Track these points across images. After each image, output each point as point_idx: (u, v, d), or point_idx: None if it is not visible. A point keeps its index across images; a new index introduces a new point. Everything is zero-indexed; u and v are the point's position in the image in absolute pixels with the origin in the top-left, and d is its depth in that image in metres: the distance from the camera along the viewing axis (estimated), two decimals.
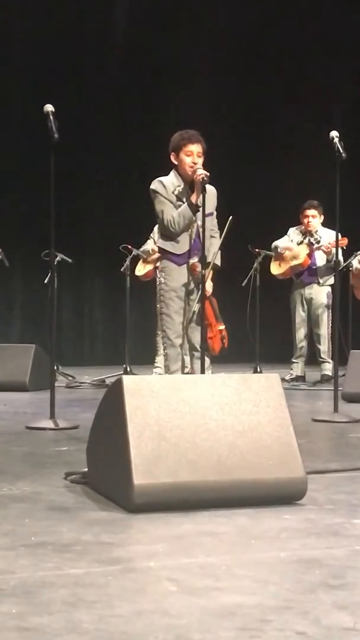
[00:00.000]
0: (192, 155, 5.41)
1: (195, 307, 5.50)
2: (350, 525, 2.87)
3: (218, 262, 5.70)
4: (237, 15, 11.85)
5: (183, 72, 11.73)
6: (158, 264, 8.74)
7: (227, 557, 2.50)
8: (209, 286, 5.67)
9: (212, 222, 5.63)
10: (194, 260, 5.39)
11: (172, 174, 5.51)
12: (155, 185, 5.52)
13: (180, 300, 5.54)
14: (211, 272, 5.68)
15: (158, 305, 5.82)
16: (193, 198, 5.37)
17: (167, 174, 5.60)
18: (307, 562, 2.43)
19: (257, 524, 2.88)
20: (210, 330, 5.71)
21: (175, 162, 5.48)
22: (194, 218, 5.40)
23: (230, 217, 5.71)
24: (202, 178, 5.24)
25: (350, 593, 2.16)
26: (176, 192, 5.46)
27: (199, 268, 5.45)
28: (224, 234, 5.73)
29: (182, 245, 5.49)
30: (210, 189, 5.52)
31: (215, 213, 5.65)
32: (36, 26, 11.26)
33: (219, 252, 5.72)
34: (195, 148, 5.42)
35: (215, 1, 11.94)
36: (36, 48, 11.28)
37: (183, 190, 5.43)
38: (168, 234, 5.51)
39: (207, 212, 5.44)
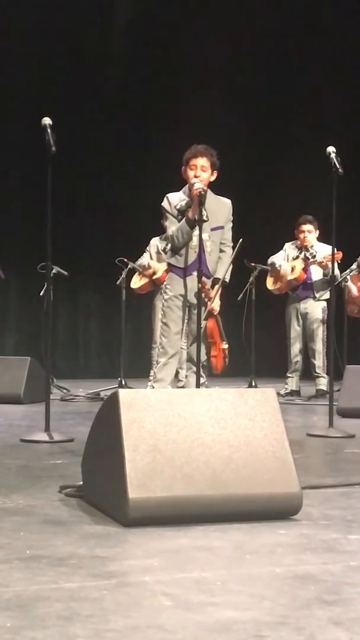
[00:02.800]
0: (195, 169, 5.43)
1: (202, 323, 5.48)
2: (345, 540, 2.86)
3: (226, 278, 5.66)
4: (240, 30, 11.92)
5: (183, 91, 11.78)
6: (155, 276, 8.82)
7: (222, 572, 2.49)
8: (216, 304, 5.64)
9: (222, 236, 5.60)
10: (194, 273, 5.37)
11: (184, 188, 5.55)
12: (163, 202, 5.57)
13: (178, 310, 5.54)
14: (216, 287, 5.64)
15: (160, 315, 5.79)
16: (190, 213, 5.39)
17: (166, 186, 5.65)
18: (302, 577, 2.43)
19: (252, 539, 2.87)
20: (214, 349, 5.68)
21: (184, 176, 5.52)
22: (192, 232, 5.41)
23: (240, 240, 5.71)
24: (200, 192, 5.26)
25: (346, 609, 2.15)
26: (178, 207, 5.48)
27: (207, 285, 5.46)
28: (233, 254, 5.71)
29: (184, 258, 5.50)
30: (224, 202, 5.56)
31: (227, 226, 5.63)
32: (36, 36, 11.30)
33: (230, 268, 5.68)
34: (199, 162, 5.44)
35: (218, 16, 11.99)
36: (35, 59, 11.33)
37: (185, 204, 5.45)
38: (172, 248, 5.55)
39: (214, 225, 5.46)
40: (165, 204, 5.56)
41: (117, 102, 11.83)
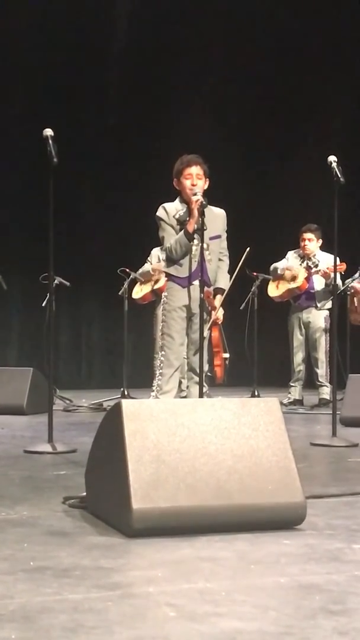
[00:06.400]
0: (191, 178, 5.45)
1: (206, 333, 5.48)
2: (350, 550, 2.85)
3: (225, 286, 5.68)
4: (237, 42, 11.94)
5: (183, 98, 11.80)
6: (156, 286, 8.83)
7: (227, 582, 2.48)
8: (220, 313, 5.66)
9: (220, 245, 5.63)
10: (196, 282, 5.38)
11: (177, 199, 5.56)
12: (159, 212, 5.57)
13: (182, 321, 5.54)
14: (220, 297, 5.65)
15: (160, 325, 5.81)
16: (189, 225, 5.39)
17: (167, 196, 5.64)
18: (307, 587, 2.42)
19: (257, 549, 2.86)
20: (217, 358, 5.69)
21: (178, 188, 5.53)
22: (191, 244, 5.42)
23: (248, 249, 5.72)
24: (201, 203, 5.27)
25: (351, 619, 2.15)
26: (177, 217, 5.48)
27: (211, 295, 5.47)
28: (240, 264, 5.71)
29: (184, 268, 5.52)
30: (219, 212, 5.58)
31: (224, 236, 5.66)
32: (36, 48, 11.34)
33: (228, 276, 5.71)
34: (194, 170, 5.47)
35: (216, 27, 12.02)
36: (35, 71, 11.35)
37: (184, 214, 5.46)
38: (170, 259, 5.55)
39: (213, 235, 5.47)
40: (162, 214, 5.56)
41: (118, 112, 11.86)
